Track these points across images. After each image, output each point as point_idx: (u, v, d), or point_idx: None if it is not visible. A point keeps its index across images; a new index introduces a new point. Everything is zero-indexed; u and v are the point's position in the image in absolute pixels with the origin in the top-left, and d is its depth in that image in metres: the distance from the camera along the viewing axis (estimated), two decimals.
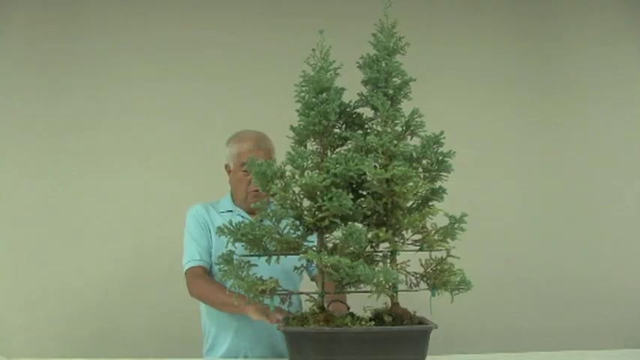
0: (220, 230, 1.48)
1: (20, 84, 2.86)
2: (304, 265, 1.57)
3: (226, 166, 2.13)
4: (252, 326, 1.93)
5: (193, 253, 2.00)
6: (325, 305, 1.52)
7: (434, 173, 1.51)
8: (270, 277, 1.48)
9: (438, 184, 1.52)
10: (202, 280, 1.95)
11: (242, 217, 2.04)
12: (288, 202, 1.46)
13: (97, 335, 2.72)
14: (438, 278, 1.47)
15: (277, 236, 1.48)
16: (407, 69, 1.54)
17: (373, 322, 1.42)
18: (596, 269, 2.89)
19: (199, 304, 2.10)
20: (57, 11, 2.91)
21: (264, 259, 1.51)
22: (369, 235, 1.47)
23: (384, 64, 1.53)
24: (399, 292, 1.49)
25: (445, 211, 1.48)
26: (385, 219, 1.49)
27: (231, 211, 2.08)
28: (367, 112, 1.57)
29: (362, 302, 1.51)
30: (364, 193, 1.53)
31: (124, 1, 2.95)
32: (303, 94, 1.51)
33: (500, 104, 3.02)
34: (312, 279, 2.09)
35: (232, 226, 1.47)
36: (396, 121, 1.50)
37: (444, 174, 1.52)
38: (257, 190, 1.97)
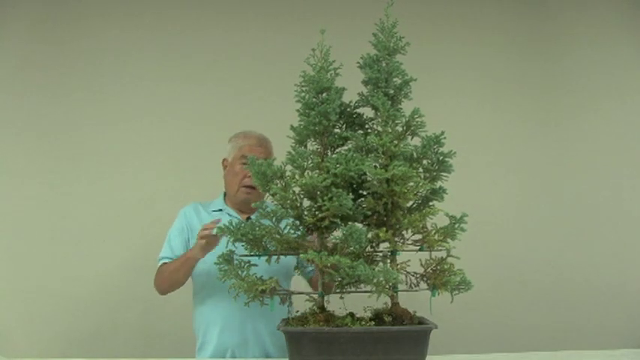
0: (220, 230, 1.48)
1: (19, 85, 2.85)
2: (304, 265, 1.57)
3: (224, 161, 2.14)
4: (237, 324, 1.95)
5: (165, 252, 2.06)
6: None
7: (434, 173, 1.52)
8: (271, 277, 1.48)
9: (438, 184, 1.53)
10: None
11: (230, 215, 2.05)
12: (288, 202, 1.46)
13: (96, 335, 2.71)
14: (438, 278, 1.47)
15: (277, 236, 1.48)
16: (407, 69, 1.54)
17: (373, 322, 1.42)
18: (596, 269, 2.89)
19: (193, 303, 2.11)
20: (56, 13, 2.90)
21: (264, 258, 1.51)
22: (369, 235, 1.47)
23: (384, 64, 1.53)
24: (399, 292, 1.49)
25: (445, 211, 1.49)
26: (385, 219, 1.49)
27: (221, 210, 2.10)
28: (368, 112, 1.57)
29: (362, 302, 1.51)
30: (364, 193, 1.53)
31: (123, 2, 2.94)
32: (303, 94, 1.51)
33: (500, 104, 3.02)
34: (309, 281, 2.10)
35: (232, 226, 1.47)
36: (396, 121, 1.50)
37: (445, 174, 1.52)
38: (250, 187, 2.00)
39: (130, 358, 1.95)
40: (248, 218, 1.99)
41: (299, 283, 2.07)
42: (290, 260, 1.65)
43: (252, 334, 1.96)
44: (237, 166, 2.07)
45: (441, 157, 1.50)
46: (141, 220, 2.79)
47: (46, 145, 2.83)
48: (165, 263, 2.04)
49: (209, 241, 1.77)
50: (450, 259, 1.49)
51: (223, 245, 1.52)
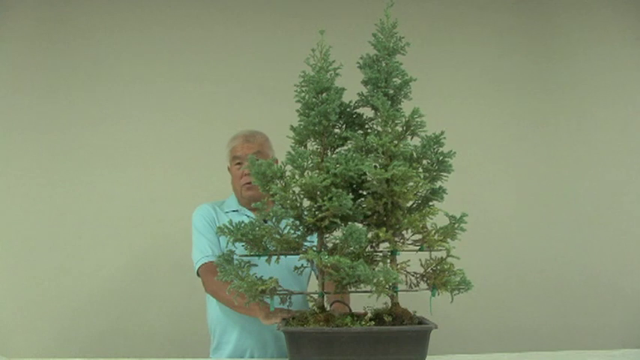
0: (220, 230, 1.48)
1: (20, 85, 2.85)
2: (304, 265, 1.56)
3: (228, 169, 2.15)
4: (258, 324, 1.92)
5: (205, 249, 1.97)
6: (327, 306, 1.52)
7: (434, 173, 1.51)
8: (271, 277, 1.48)
9: (438, 184, 1.53)
10: (215, 277, 1.89)
11: (248, 216, 2.05)
12: (288, 202, 1.46)
13: (97, 335, 2.71)
14: (438, 278, 1.47)
15: (277, 236, 1.48)
16: (407, 69, 1.54)
17: (373, 322, 1.42)
18: (596, 269, 2.89)
19: (205, 302, 2.11)
20: (56, 12, 2.90)
21: (267, 259, 1.51)
22: (369, 235, 1.47)
23: (384, 64, 1.53)
24: (399, 292, 1.49)
25: (445, 211, 1.49)
26: (385, 219, 1.49)
27: (237, 210, 2.09)
28: (367, 112, 1.57)
29: (362, 302, 1.51)
30: (364, 193, 1.53)
31: (123, 1, 2.94)
32: (303, 94, 1.51)
33: (500, 104, 3.02)
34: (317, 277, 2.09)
35: (232, 226, 1.47)
36: (396, 121, 1.50)
37: (444, 174, 1.52)
38: (249, 183, 1.99)
39: (132, 358, 1.95)
40: None
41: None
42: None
43: (271, 335, 1.96)
44: (233, 168, 2.08)
45: (440, 157, 1.50)
46: (141, 220, 2.79)
47: (45, 145, 2.84)
48: (209, 262, 1.93)
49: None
50: (450, 259, 1.49)
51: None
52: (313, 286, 1.99)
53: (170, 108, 2.89)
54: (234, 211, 2.09)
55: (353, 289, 1.46)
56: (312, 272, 2.01)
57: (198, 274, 1.99)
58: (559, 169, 2.98)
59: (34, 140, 2.83)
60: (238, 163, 2.05)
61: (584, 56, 3.04)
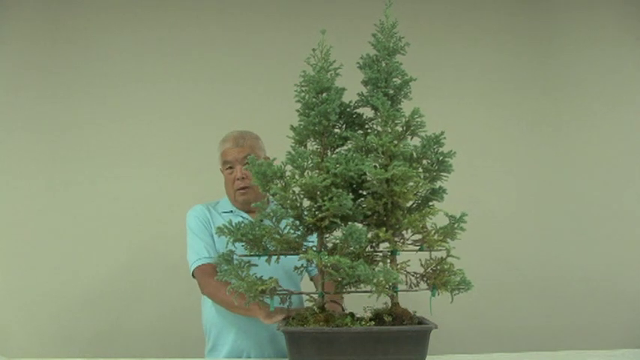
0: (220, 230, 1.48)
1: (20, 85, 2.86)
2: (304, 265, 1.56)
3: (221, 170, 2.14)
4: (254, 325, 1.92)
5: (201, 251, 1.97)
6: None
7: (434, 173, 1.51)
8: (270, 277, 1.48)
9: (438, 184, 1.53)
10: (214, 278, 1.89)
11: (242, 217, 2.04)
12: (288, 202, 1.46)
13: (97, 335, 2.72)
14: (438, 278, 1.47)
15: (277, 236, 1.48)
16: (407, 69, 1.54)
17: (373, 322, 1.42)
18: (596, 269, 2.89)
19: (200, 303, 2.10)
20: (56, 12, 2.90)
21: (264, 259, 1.51)
22: (369, 235, 1.47)
23: (384, 64, 1.53)
24: (399, 292, 1.49)
25: (445, 211, 1.49)
26: (385, 219, 1.49)
27: (231, 211, 2.09)
28: (367, 112, 1.57)
29: (362, 302, 1.51)
30: (364, 193, 1.53)
31: (123, 1, 2.94)
32: (303, 94, 1.51)
33: (500, 104, 3.02)
34: (311, 279, 2.09)
35: (232, 226, 1.47)
36: (396, 121, 1.50)
37: (444, 174, 1.52)
38: (242, 188, 2.00)
39: (131, 358, 1.95)
40: None
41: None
42: (291, 263, 1.65)
43: (268, 336, 1.96)
44: (225, 172, 2.07)
45: (440, 157, 1.50)
46: (141, 219, 2.80)
47: (45, 145, 2.84)
48: (209, 264, 1.92)
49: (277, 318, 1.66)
50: (449, 259, 1.49)
51: (224, 245, 1.52)
52: (305, 286, 2.01)
53: (169, 108, 2.90)
54: (229, 211, 2.09)
55: (353, 289, 1.46)
56: (307, 273, 2.04)
57: (193, 276, 1.99)
58: (559, 168, 2.98)
59: (33, 140, 2.83)
60: (230, 167, 2.04)
61: (584, 56, 3.04)
